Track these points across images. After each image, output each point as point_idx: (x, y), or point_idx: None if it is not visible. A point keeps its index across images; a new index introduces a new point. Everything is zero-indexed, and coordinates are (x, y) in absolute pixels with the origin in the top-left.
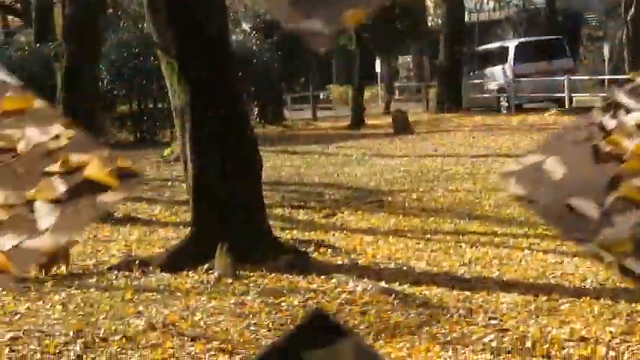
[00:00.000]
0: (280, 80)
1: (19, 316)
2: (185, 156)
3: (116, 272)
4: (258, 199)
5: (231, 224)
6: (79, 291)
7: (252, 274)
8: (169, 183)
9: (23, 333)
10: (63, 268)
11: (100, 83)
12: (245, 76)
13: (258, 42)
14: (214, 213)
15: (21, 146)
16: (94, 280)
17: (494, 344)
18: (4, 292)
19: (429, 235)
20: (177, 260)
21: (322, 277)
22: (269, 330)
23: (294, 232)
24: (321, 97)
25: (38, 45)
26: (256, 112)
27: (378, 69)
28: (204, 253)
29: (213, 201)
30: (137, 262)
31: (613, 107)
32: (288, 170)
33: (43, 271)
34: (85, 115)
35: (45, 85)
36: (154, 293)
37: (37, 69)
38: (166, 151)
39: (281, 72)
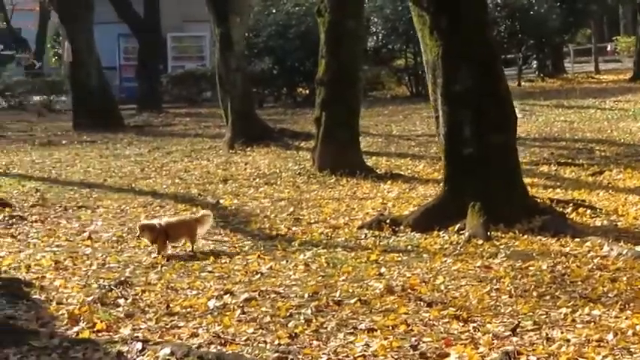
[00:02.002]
0: (560, 32)
1: (259, 276)
2: (437, 111)
3: (366, 231)
4: (512, 156)
5: (484, 182)
6: (325, 250)
7: (503, 235)
8: (437, 138)
9: (259, 294)
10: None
11: (375, 37)
12: (523, 28)
13: None
14: (467, 171)
15: None
16: (343, 239)
17: None
18: (251, 251)
19: None
20: (428, 219)
21: (576, 239)
22: (510, 296)
23: (557, 190)
24: (608, 48)
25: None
26: (535, 65)
27: None
28: (456, 212)
29: (466, 158)
30: (388, 221)
31: None
32: (560, 125)
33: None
34: (348, 68)
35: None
36: (401, 254)
37: (312, 23)
38: None
39: (562, 24)
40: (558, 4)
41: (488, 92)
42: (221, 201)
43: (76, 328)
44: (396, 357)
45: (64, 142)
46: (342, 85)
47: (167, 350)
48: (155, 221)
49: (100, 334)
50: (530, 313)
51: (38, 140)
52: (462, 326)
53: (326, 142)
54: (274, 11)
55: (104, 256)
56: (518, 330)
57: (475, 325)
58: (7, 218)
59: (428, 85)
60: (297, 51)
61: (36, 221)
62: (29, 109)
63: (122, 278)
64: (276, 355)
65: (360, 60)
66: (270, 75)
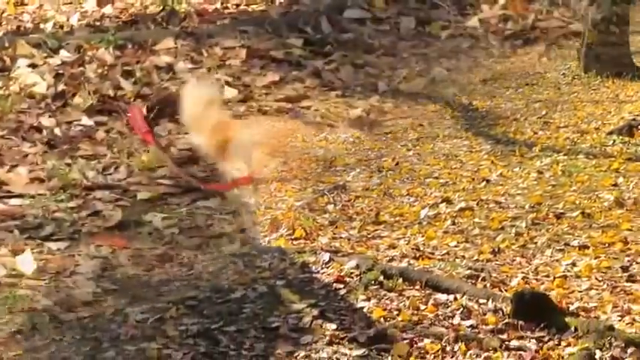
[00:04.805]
0: None
1: (484, 183)
2: None
3: (615, 137)
4: None
5: None
6: (565, 157)
7: None
8: None
9: (477, 203)
10: None
11: None
12: None
13: None
14: None
15: None
16: (588, 145)
17: None
18: (486, 156)
19: None
20: None
21: None
22: None
23: None
24: None
25: None
26: None
27: None
28: None
29: None
30: None
31: None
32: None
33: None
34: None
35: None
36: None
37: None
38: None
39: None
40: None
41: None
42: (474, 102)
43: (274, 235)
44: (600, 279)
45: None
46: None
47: (353, 263)
48: None
49: (295, 242)
50: None
51: None
52: None
53: (592, 41)
54: None
55: (333, 158)
56: None
57: None
58: None
59: None
60: None
61: None
62: None
63: (340, 182)
64: (468, 272)
65: None
66: None
